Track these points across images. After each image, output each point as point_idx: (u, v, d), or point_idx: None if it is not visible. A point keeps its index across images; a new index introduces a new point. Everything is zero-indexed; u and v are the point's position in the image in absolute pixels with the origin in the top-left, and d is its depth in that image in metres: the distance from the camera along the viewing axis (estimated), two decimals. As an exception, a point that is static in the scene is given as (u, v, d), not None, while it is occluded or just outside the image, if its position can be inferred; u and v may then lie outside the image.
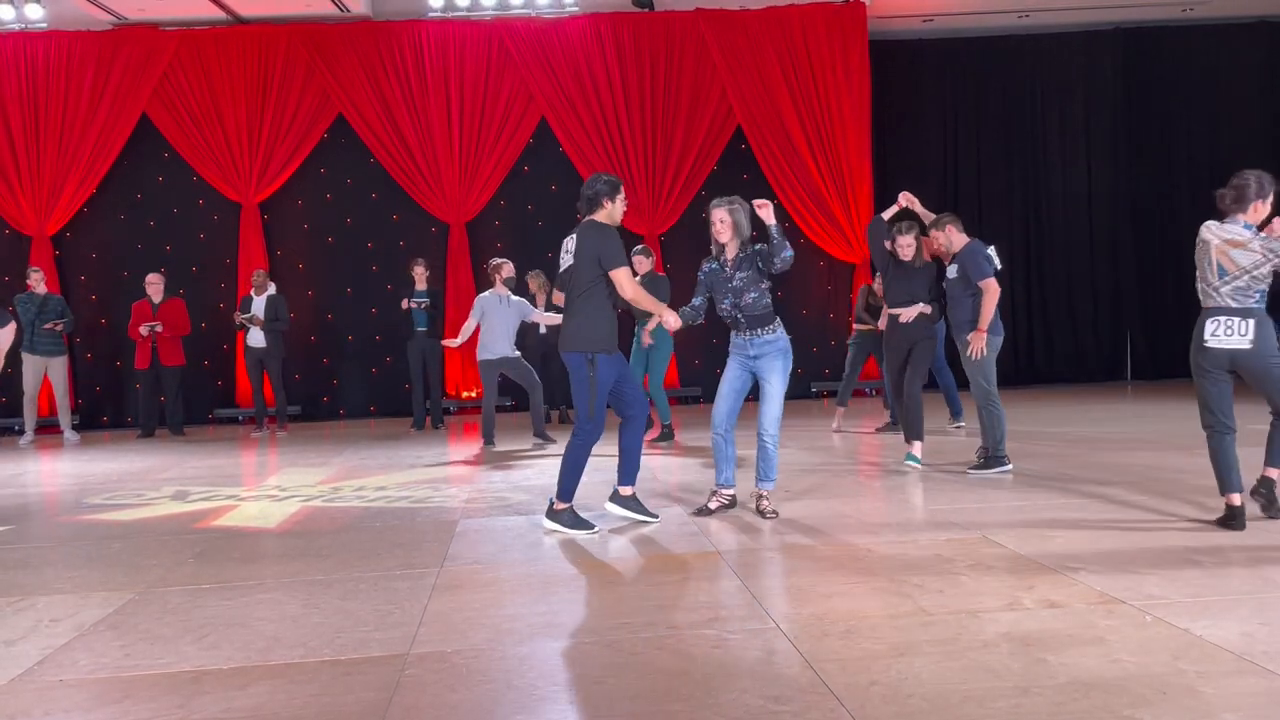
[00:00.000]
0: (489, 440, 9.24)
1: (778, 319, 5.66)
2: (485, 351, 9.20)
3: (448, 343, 9.68)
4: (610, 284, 5.35)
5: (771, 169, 12.94)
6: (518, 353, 9.37)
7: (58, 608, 4.34)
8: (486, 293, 9.35)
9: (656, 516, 5.67)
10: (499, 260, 9.47)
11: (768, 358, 5.61)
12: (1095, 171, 14.18)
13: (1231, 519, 5.02)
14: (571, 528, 5.45)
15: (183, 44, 12.54)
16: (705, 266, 5.76)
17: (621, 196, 5.45)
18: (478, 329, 9.30)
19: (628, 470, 5.60)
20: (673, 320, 5.50)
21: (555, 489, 5.52)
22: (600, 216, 5.41)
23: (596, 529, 5.46)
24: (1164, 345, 13.97)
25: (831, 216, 12.94)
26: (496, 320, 9.18)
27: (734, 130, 13.00)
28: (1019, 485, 6.37)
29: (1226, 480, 5.05)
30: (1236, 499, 5.03)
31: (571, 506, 5.50)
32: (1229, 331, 4.97)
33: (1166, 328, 14.02)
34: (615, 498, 5.66)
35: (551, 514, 5.53)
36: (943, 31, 13.83)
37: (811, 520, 5.56)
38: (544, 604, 4.18)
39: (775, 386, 5.60)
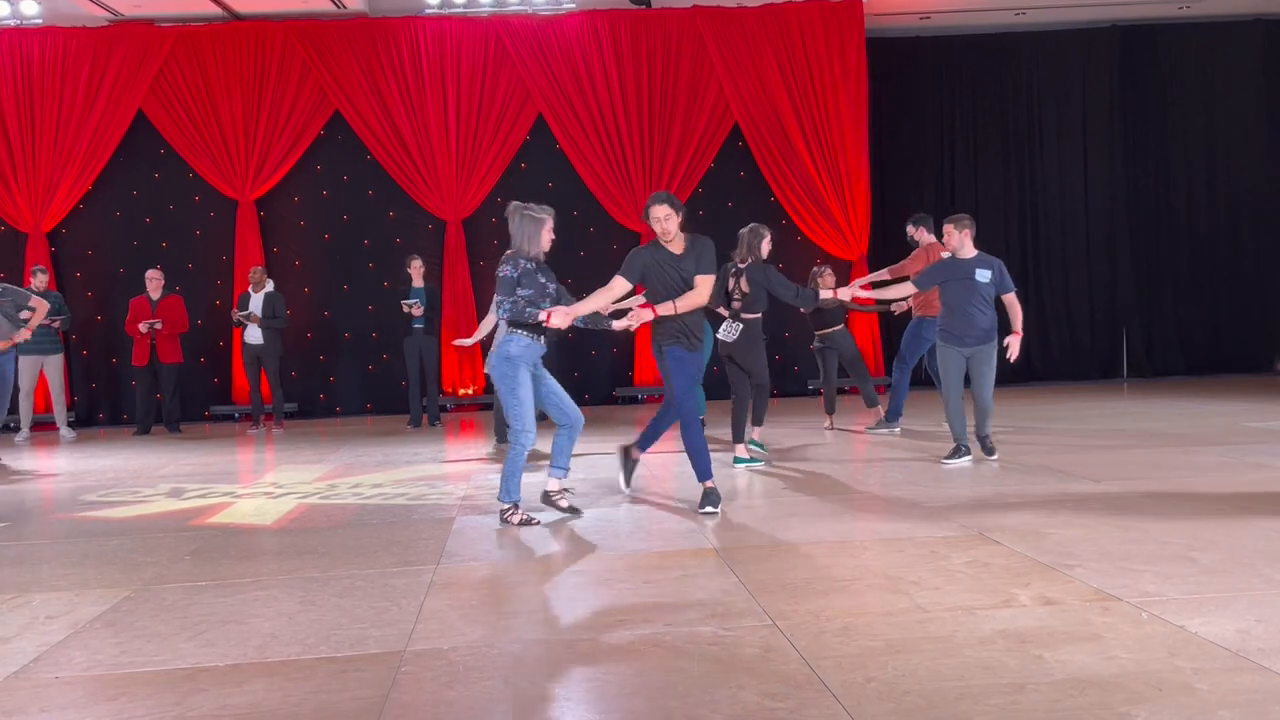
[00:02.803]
0: (503, 438, 9.02)
1: (516, 331, 5.65)
2: None
3: (460, 342, 9.63)
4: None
5: (768, 166, 12.95)
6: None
7: (54, 605, 4.34)
8: None
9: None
10: None
11: None
12: (1092, 168, 14.17)
13: None
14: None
15: (179, 40, 12.51)
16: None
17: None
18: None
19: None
20: (560, 320, 5.58)
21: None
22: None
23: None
24: (1160, 344, 14.01)
25: (828, 214, 12.94)
26: None
27: (731, 127, 12.99)
28: (1015, 483, 6.38)
29: None
30: None
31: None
32: None
33: (1163, 326, 14.06)
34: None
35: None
36: (940, 29, 13.83)
37: (807, 518, 5.56)
38: (540, 601, 4.18)
39: None
